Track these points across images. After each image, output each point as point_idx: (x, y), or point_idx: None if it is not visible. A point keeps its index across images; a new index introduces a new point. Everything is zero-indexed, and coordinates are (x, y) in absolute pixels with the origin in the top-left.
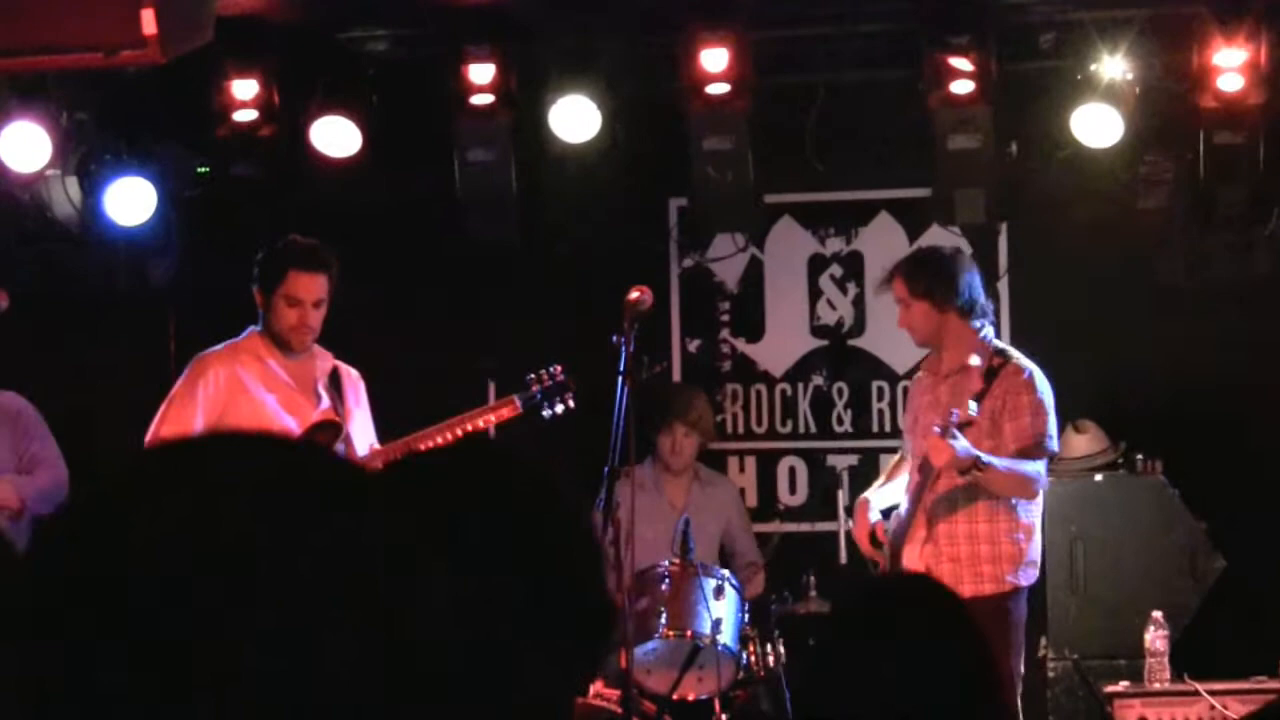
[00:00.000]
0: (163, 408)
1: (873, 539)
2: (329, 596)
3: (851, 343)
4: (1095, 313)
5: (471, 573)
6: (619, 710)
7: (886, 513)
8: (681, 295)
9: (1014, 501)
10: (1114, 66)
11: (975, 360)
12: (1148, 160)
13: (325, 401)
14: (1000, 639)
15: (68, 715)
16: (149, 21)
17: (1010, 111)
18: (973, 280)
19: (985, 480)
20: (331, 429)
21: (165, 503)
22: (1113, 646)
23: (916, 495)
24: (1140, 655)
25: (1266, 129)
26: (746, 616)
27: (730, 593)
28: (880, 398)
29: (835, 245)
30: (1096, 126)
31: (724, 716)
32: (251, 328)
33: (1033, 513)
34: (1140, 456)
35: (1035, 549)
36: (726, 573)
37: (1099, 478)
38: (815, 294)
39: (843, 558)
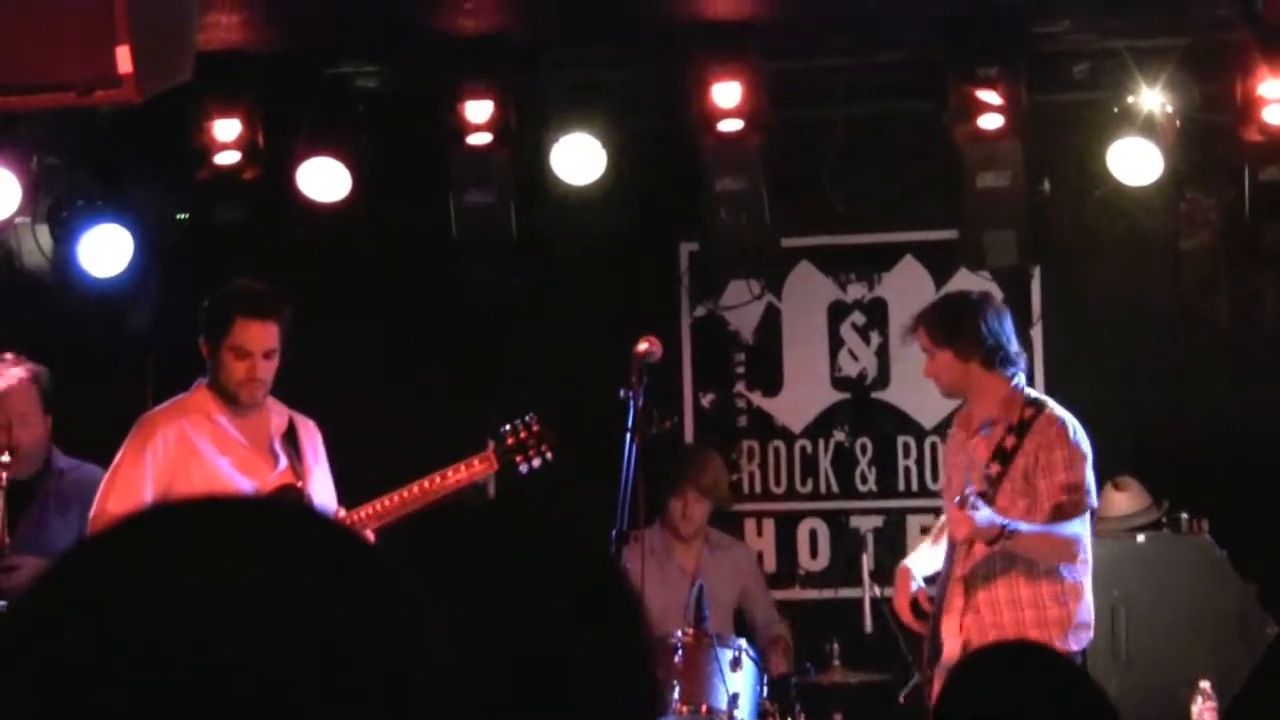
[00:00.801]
0: (107, 476)
1: (915, 608)
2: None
3: (875, 395)
4: (1135, 361)
5: (502, 652)
6: None
7: (932, 578)
8: (693, 346)
9: (1056, 564)
10: (1152, 98)
11: (984, 431)
12: (1189, 198)
13: (283, 461)
14: None
15: None
16: (124, 59)
17: (1042, 147)
18: (1000, 327)
19: (1017, 547)
20: (291, 494)
21: (119, 600)
22: (1158, 718)
23: (953, 563)
24: None
25: None
26: (765, 690)
27: (748, 664)
28: (906, 454)
29: (857, 291)
30: (1134, 162)
31: None
32: (200, 381)
33: (1077, 572)
34: (1185, 515)
35: (1085, 610)
36: (743, 643)
37: (1141, 538)
38: (836, 344)
39: (868, 626)
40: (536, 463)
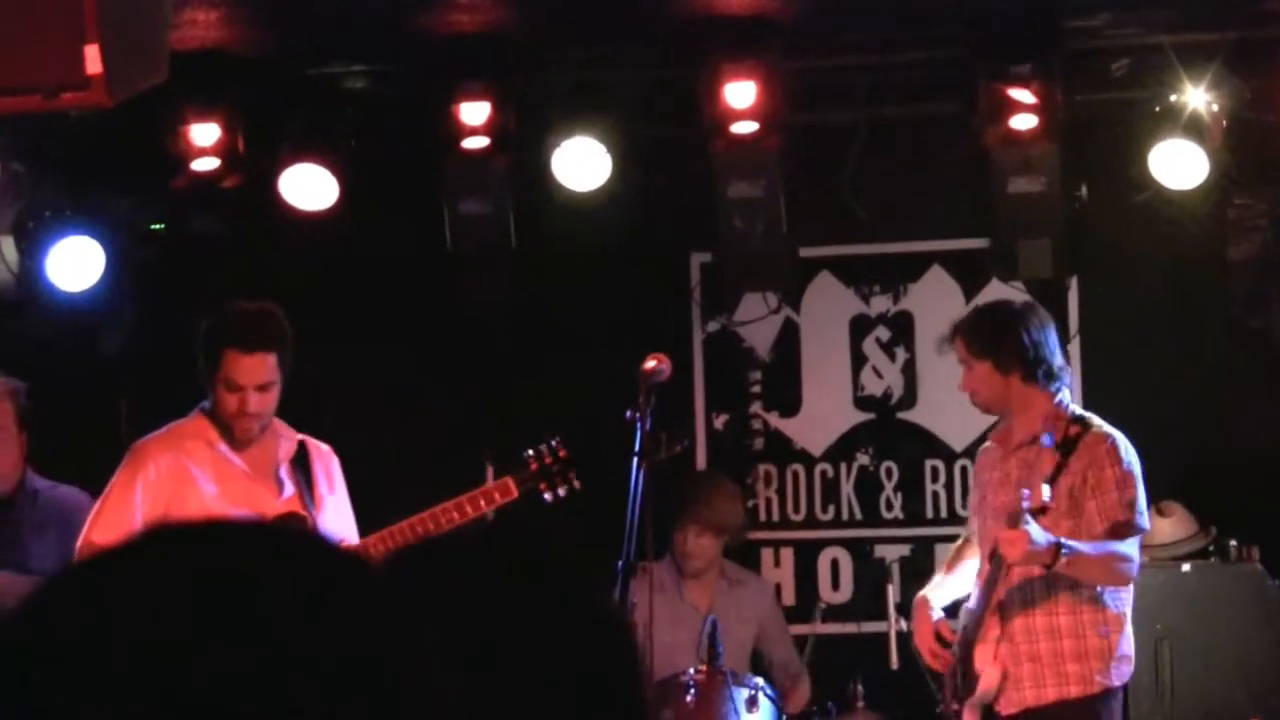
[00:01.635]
0: (96, 505)
1: (939, 639)
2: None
3: (901, 416)
4: (1180, 378)
5: (491, 682)
6: None
7: (953, 608)
8: (706, 364)
9: (1099, 590)
10: (1197, 96)
11: (1046, 440)
12: (1237, 203)
13: (289, 489)
14: None
15: None
16: (93, 59)
17: (1079, 149)
18: (1044, 339)
19: (1072, 569)
20: (295, 523)
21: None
22: None
23: (988, 588)
24: None
25: None
26: None
27: (765, 704)
28: (935, 479)
29: (881, 305)
30: (1178, 165)
31: None
32: (203, 404)
33: (1121, 601)
34: (1234, 543)
35: (1127, 642)
36: (760, 681)
37: (1187, 567)
38: (859, 361)
39: (894, 662)
40: (562, 491)
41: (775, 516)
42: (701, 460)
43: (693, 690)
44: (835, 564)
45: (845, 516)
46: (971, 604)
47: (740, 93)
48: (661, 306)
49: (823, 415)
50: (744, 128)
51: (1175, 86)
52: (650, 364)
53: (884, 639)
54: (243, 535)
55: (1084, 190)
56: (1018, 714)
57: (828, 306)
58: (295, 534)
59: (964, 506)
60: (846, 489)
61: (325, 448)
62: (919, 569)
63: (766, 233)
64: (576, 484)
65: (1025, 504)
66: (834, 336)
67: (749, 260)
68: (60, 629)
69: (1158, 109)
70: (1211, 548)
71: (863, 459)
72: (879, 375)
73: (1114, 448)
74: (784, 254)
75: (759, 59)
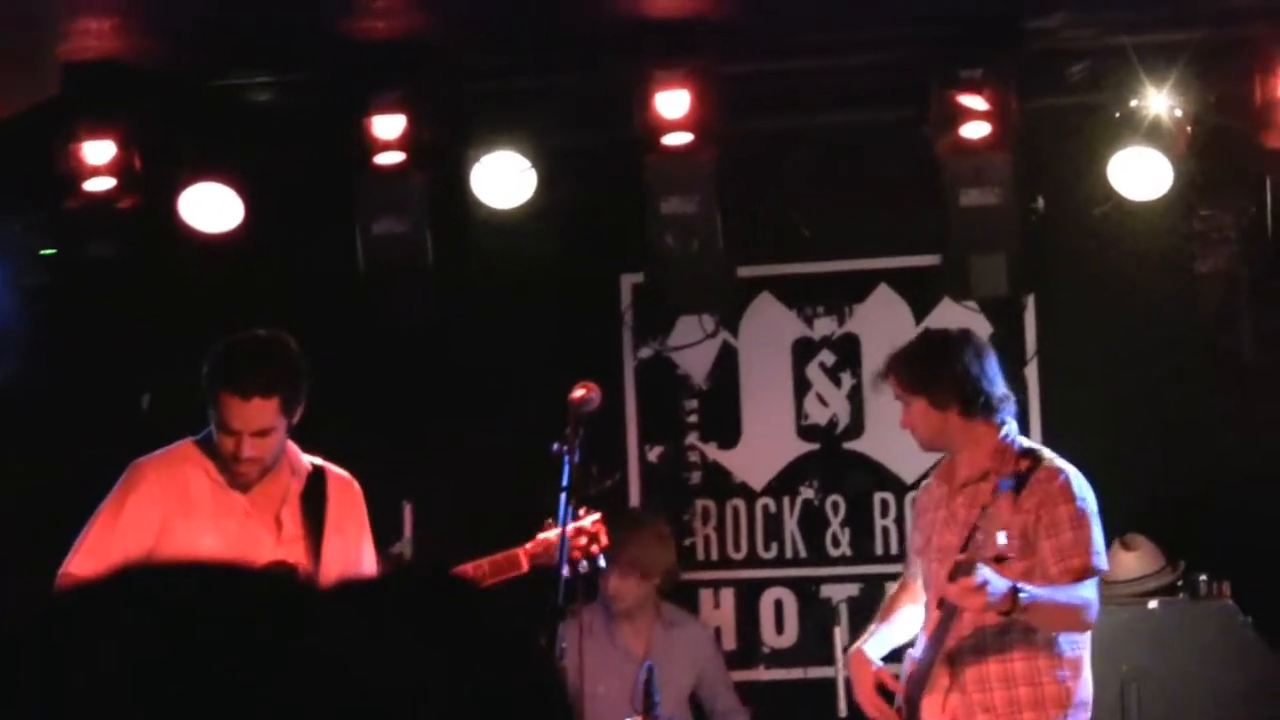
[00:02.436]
0: (83, 531)
1: (881, 690)
2: None
3: (848, 446)
4: (1145, 401)
5: None
6: None
7: (888, 657)
8: (638, 392)
9: (1054, 634)
10: (1160, 101)
11: (1004, 485)
12: (1203, 214)
13: (289, 529)
14: None
15: None
16: None
17: (1035, 159)
18: (983, 369)
19: (1030, 616)
20: (282, 571)
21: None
22: None
23: (938, 635)
24: None
25: None
26: None
27: None
28: (884, 513)
29: (825, 327)
30: (1140, 174)
31: None
32: (188, 438)
33: (1078, 645)
34: (1204, 577)
35: (1085, 688)
36: None
37: (1154, 604)
38: (802, 387)
39: (842, 709)
40: (584, 567)
41: (714, 555)
42: (634, 495)
43: None
44: (779, 605)
45: (789, 554)
46: (918, 652)
47: (673, 101)
48: (590, 331)
49: (764, 446)
50: (677, 139)
51: (1136, 91)
52: (579, 393)
53: (831, 685)
54: (212, 583)
55: (1040, 202)
56: None
57: (768, 329)
58: (274, 582)
59: None
60: (790, 525)
61: (345, 477)
62: (868, 610)
63: (702, 251)
64: (601, 563)
65: (987, 549)
66: (775, 361)
67: (684, 280)
68: (17, 672)
69: (1118, 115)
70: (1180, 583)
71: (807, 492)
72: (823, 403)
73: (1067, 484)
74: (721, 273)
75: (692, 64)
